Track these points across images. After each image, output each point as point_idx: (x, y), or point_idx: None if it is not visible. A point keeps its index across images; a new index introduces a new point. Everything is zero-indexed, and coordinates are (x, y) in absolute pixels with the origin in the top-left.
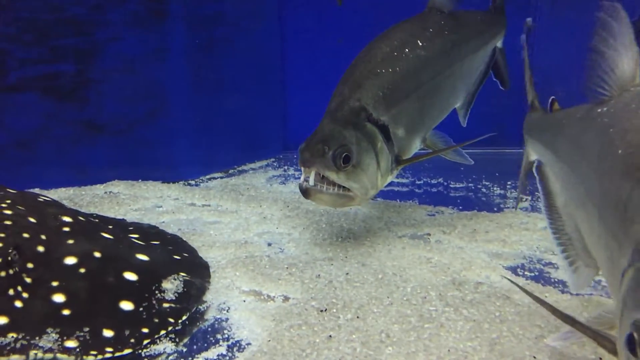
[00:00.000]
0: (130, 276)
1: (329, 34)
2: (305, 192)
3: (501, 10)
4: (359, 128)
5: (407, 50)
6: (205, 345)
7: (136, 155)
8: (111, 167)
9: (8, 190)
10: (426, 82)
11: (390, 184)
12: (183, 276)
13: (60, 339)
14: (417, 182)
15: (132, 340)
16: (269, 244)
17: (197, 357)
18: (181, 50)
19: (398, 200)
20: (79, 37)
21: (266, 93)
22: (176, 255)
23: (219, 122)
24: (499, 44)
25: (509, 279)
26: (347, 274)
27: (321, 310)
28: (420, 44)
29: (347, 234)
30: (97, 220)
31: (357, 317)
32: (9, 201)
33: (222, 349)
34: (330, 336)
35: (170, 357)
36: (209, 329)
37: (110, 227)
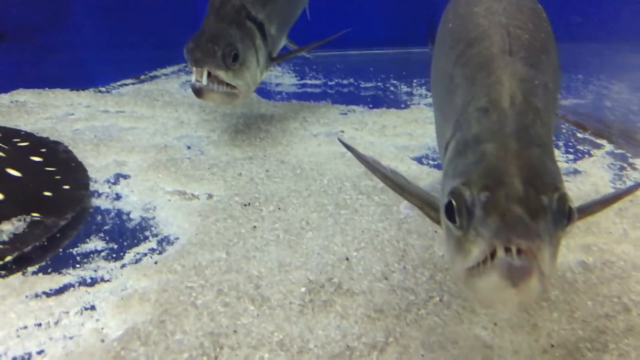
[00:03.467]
0: None
1: None
2: (199, 92)
3: None
4: (241, 26)
5: None
6: (135, 241)
7: (41, 62)
8: (15, 76)
9: None
10: None
11: (304, 85)
12: (33, 216)
13: None
14: (329, 83)
15: None
16: (189, 147)
17: (129, 252)
18: None
19: (312, 100)
20: None
21: None
22: (49, 191)
23: (127, 26)
24: None
25: (341, 141)
26: (267, 171)
27: (245, 205)
28: None
29: (265, 135)
30: None
31: (279, 208)
32: None
33: (152, 244)
34: (254, 227)
35: (102, 254)
36: (137, 227)
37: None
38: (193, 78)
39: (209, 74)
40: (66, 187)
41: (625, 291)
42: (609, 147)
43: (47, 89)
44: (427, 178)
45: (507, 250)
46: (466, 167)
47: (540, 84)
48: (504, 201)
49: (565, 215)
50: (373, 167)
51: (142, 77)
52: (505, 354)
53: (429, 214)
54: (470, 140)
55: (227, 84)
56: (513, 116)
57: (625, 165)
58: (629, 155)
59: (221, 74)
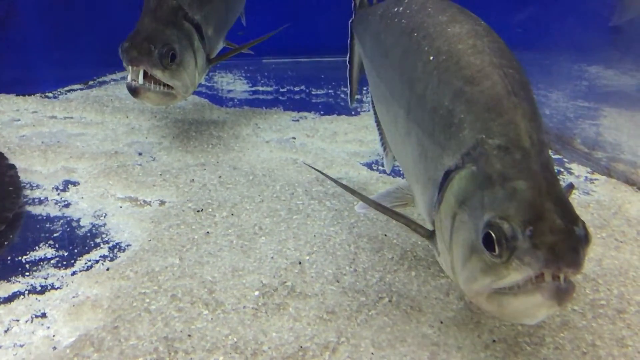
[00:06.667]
0: None
1: None
2: (135, 91)
3: None
4: (178, 27)
5: None
6: (86, 248)
7: None
8: None
9: None
10: None
11: (255, 91)
12: None
13: None
14: (281, 90)
15: None
16: (140, 153)
17: (80, 259)
18: None
19: (264, 107)
20: None
21: None
22: None
23: (75, 30)
24: None
25: (311, 166)
26: (219, 177)
27: (198, 211)
28: None
29: (217, 141)
30: None
31: (232, 214)
32: None
33: (103, 250)
34: (208, 232)
35: (52, 261)
36: (88, 234)
37: None
38: (129, 77)
39: (146, 74)
40: None
41: None
42: None
43: None
44: (376, 183)
45: (554, 276)
46: (498, 202)
47: (541, 120)
48: (549, 235)
49: (588, 239)
50: (362, 195)
51: (91, 82)
52: (451, 350)
53: (417, 230)
54: (494, 176)
55: (164, 84)
56: (535, 155)
57: (562, 169)
58: (565, 160)
59: (158, 74)
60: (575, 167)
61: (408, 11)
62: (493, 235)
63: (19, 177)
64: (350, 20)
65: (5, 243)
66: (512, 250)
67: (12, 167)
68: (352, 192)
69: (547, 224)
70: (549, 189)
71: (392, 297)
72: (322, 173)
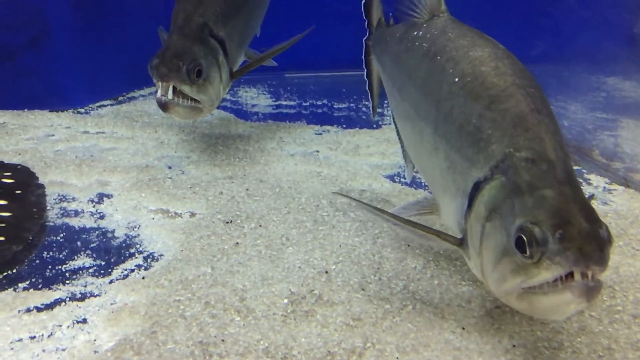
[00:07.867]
0: None
1: None
2: (164, 106)
3: None
4: (204, 43)
5: None
6: (122, 258)
7: (20, 84)
8: None
9: None
10: None
11: (279, 106)
12: None
13: None
14: (304, 104)
15: None
16: (170, 167)
17: (116, 269)
18: None
19: (287, 121)
20: None
21: (152, 16)
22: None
23: (105, 47)
24: None
25: (340, 194)
26: (247, 189)
27: (227, 222)
28: None
29: (244, 155)
30: None
31: (260, 225)
32: None
33: (138, 260)
34: (237, 243)
35: (90, 270)
36: (123, 245)
37: None
38: (158, 93)
39: (174, 89)
40: (10, 215)
41: None
42: None
43: (26, 110)
44: (399, 194)
45: (582, 274)
46: (528, 209)
47: (562, 134)
48: (577, 237)
49: (611, 240)
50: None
51: (120, 98)
52: (472, 354)
53: (447, 240)
54: (524, 186)
55: (192, 99)
56: (560, 166)
57: (581, 180)
58: (584, 171)
59: (186, 89)
60: (594, 178)
61: (428, 35)
62: (525, 238)
63: (45, 196)
64: (364, 38)
65: (44, 254)
66: (543, 252)
67: (41, 187)
68: (379, 213)
69: (575, 227)
70: (574, 196)
71: (416, 305)
72: (349, 197)
